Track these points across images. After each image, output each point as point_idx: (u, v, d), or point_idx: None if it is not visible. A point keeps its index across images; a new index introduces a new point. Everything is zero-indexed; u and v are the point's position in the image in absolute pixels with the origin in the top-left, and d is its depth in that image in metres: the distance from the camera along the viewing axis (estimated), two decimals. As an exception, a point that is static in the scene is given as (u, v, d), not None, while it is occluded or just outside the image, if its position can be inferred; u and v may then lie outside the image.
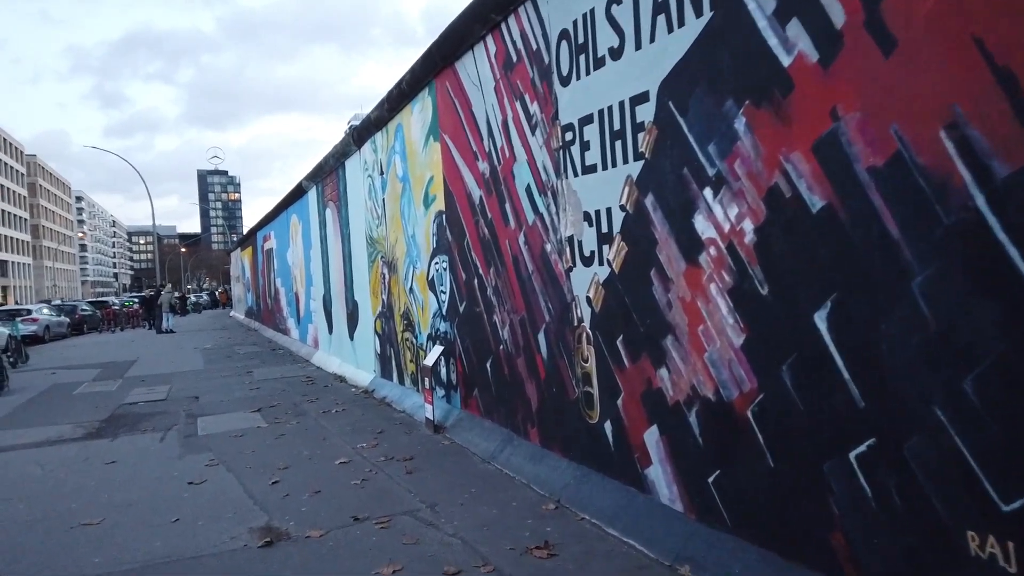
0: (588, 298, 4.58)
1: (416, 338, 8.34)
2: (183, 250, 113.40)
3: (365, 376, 10.65)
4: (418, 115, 7.67)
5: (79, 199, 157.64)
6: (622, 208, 4.14)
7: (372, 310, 10.24)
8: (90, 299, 42.86)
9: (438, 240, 7.34)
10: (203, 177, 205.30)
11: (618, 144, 4.13)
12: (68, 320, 29.95)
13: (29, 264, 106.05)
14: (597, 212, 4.39)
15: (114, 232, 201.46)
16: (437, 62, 6.76)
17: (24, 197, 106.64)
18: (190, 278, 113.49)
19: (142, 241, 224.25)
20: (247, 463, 6.48)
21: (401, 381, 9.06)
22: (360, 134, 9.88)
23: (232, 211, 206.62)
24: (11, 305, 52.67)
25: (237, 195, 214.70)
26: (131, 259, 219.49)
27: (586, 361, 4.67)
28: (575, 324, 4.76)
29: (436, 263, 7.44)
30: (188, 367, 14.76)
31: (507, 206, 5.67)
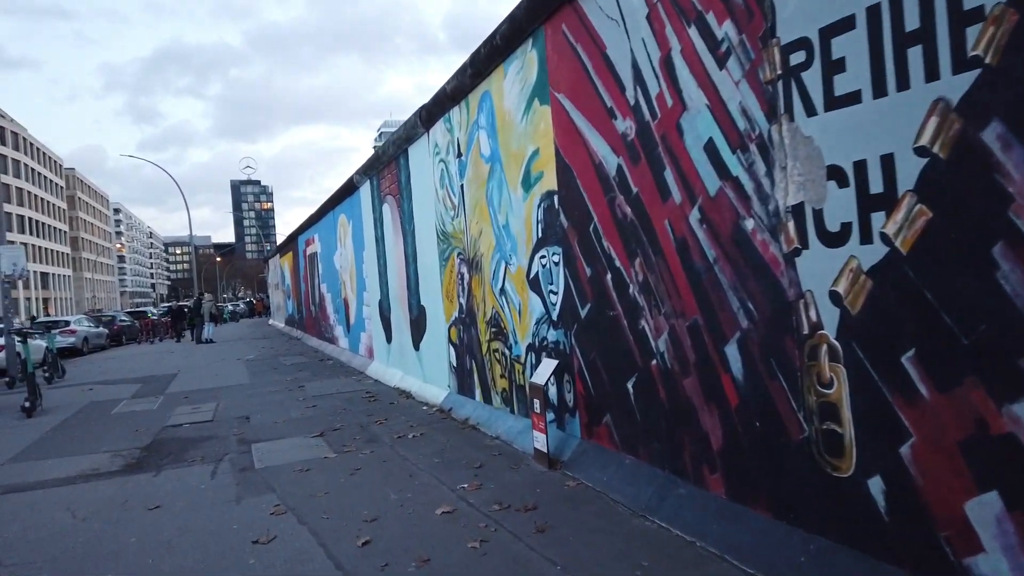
0: (834, 294, 3.13)
1: (509, 349, 6.94)
2: (218, 260, 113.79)
3: (436, 392, 9.27)
4: (515, 77, 6.27)
5: (117, 211, 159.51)
6: (922, 152, 2.68)
7: (445, 316, 8.86)
8: (128, 310, 42.26)
9: (545, 228, 5.93)
10: (236, 187, 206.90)
11: (915, 52, 2.67)
12: (107, 331, 29.12)
13: (69, 276, 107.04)
14: (859, 164, 2.94)
15: (151, 243, 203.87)
16: (549, 1, 5.36)
17: (63, 210, 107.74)
18: (225, 287, 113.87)
19: (178, 251, 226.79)
20: (323, 511, 5.13)
21: (486, 399, 7.66)
22: (430, 112, 8.52)
23: (265, 220, 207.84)
24: (50, 316, 52.51)
25: (270, 204, 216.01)
26: (167, 269, 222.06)
27: (827, 386, 3.21)
28: (804, 332, 3.31)
29: (542, 257, 6.03)
30: (233, 381, 13.54)
31: (667, 174, 4.23)
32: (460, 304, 8.29)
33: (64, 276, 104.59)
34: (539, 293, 6.16)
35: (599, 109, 4.93)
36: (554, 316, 5.94)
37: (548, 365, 5.84)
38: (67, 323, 25.70)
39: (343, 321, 16.28)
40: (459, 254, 8.16)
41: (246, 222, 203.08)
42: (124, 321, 32.29)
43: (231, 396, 11.51)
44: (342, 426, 8.32)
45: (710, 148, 3.86)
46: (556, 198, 5.69)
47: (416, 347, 10.27)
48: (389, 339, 11.92)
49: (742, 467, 3.85)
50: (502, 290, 6.99)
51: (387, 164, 11.02)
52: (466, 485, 5.46)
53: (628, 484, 4.76)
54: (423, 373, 10.02)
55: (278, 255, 31.70)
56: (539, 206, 6.00)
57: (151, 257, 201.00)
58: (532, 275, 6.27)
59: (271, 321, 39.43)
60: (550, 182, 5.78)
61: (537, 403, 5.76)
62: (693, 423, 4.22)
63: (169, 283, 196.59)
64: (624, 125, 4.65)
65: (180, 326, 30.49)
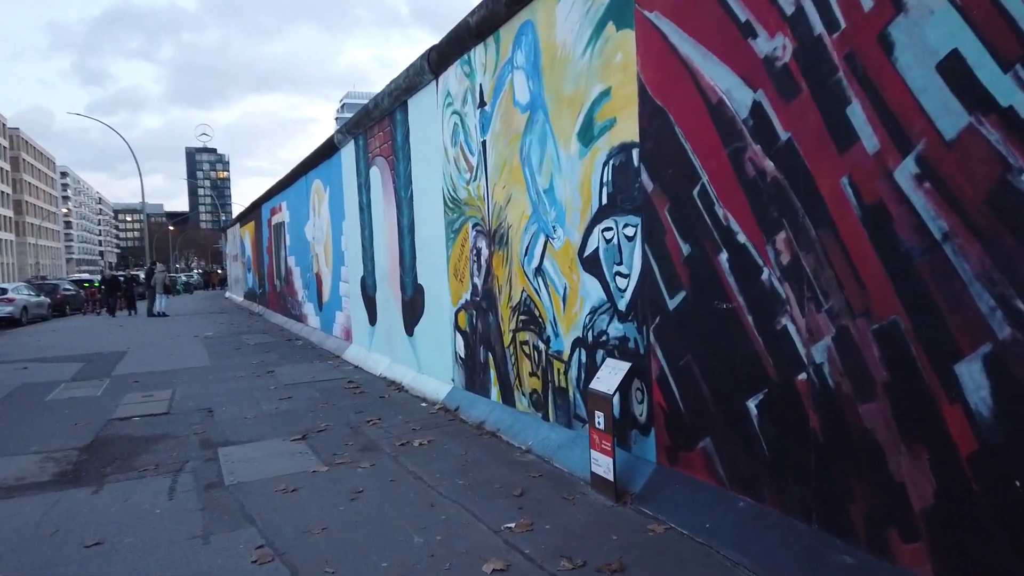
0: None
1: (545, 343, 5.63)
2: (171, 229, 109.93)
3: (436, 386, 7.92)
4: (576, -2, 4.91)
5: (64, 175, 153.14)
6: None
7: (452, 298, 7.50)
8: (72, 277, 39.72)
9: (614, 192, 4.61)
10: (191, 155, 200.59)
11: None
12: (48, 301, 26.95)
13: (11, 241, 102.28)
14: None
15: (100, 210, 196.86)
16: None
17: (7, 172, 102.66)
18: (178, 257, 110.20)
19: (129, 219, 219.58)
20: (324, 559, 3.81)
21: (507, 400, 6.35)
22: (443, 54, 7.09)
23: (221, 190, 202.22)
24: (-11, 283, 49.60)
25: (226, 173, 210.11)
26: (117, 237, 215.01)
27: None
28: None
29: (606, 230, 4.72)
30: (190, 362, 11.98)
31: (854, 111, 2.95)
32: (474, 285, 6.93)
33: (6, 241, 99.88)
34: (598, 275, 4.85)
35: (723, 27, 3.61)
36: (621, 305, 4.63)
37: (616, 368, 4.53)
38: (3, 291, 23.55)
39: (314, 298, 14.76)
40: (476, 225, 6.79)
41: (201, 191, 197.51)
42: (68, 290, 30.07)
43: (189, 381, 9.99)
44: (328, 426, 6.93)
45: (953, 67, 2.57)
46: (636, 152, 4.37)
47: (409, 332, 8.89)
48: (373, 321, 10.50)
49: (974, 543, 2.60)
50: (538, 270, 5.66)
51: (378, 120, 9.55)
52: (512, 524, 4.15)
53: (750, 538, 3.49)
54: (418, 363, 8.65)
55: (238, 224, 29.79)
56: (606, 164, 4.67)
57: (100, 224, 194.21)
58: (588, 252, 4.94)
59: (228, 294, 37.43)
60: (626, 132, 4.45)
61: (601, 418, 4.46)
62: (874, 467, 2.97)
63: (119, 251, 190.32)
64: (770, 46, 3.33)
65: (114, 299, 25.76)
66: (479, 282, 6.82)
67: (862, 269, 2.98)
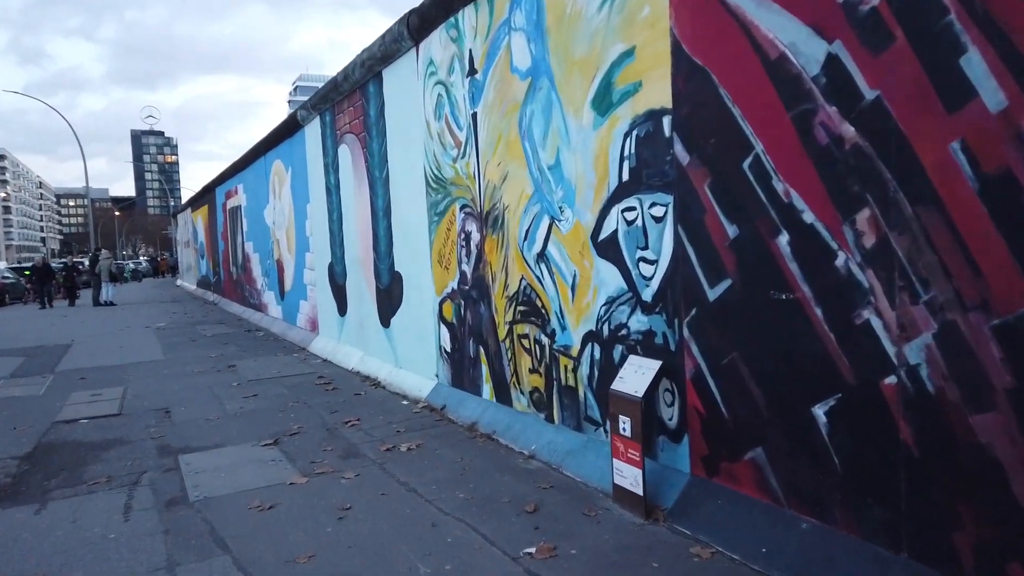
0: None
1: (549, 336, 5.07)
2: (117, 214, 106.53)
3: (417, 382, 7.32)
4: (591, -54, 4.32)
5: (1, 157, 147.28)
6: None
7: (436, 287, 6.89)
8: (12, 265, 37.82)
9: (638, 167, 4.06)
10: (137, 138, 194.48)
11: None
12: (-15, 289, 25.46)
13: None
14: None
15: (41, 194, 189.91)
16: None
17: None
18: (124, 243, 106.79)
19: (72, 204, 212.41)
20: (318, 605, 3.19)
21: (502, 398, 5.80)
22: (425, 17, 6.44)
23: (169, 174, 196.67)
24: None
25: (174, 157, 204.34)
26: (60, 223, 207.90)
27: None
28: None
29: (627, 210, 4.17)
30: (143, 356, 11.15)
31: (970, 61, 2.45)
32: (462, 272, 6.33)
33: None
34: (616, 261, 4.30)
35: (789, -31, 3.06)
36: (646, 295, 4.10)
37: (643, 367, 4.00)
38: (-64, 279, 22.08)
39: (275, 286, 13.97)
40: (464, 207, 6.18)
41: (148, 175, 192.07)
42: (7, 278, 28.51)
43: (143, 377, 9.21)
44: (301, 428, 6.29)
45: None
46: (667, 120, 3.82)
47: (385, 323, 8.25)
48: (342, 311, 9.82)
49: None
50: (541, 255, 5.09)
51: (348, 94, 8.84)
52: (532, 550, 3.60)
53: (822, 566, 3.00)
54: (395, 356, 8.02)
55: (190, 209, 28.56)
56: (628, 135, 4.11)
57: (41, 209, 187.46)
58: (604, 235, 4.39)
59: (179, 282, 36.04)
60: (654, 97, 3.89)
61: (627, 423, 3.93)
62: (991, 488, 2.48)
63: (61, 238, 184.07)
64: (856, -13, 2.80)
65: (48, 288, 23.20)
66: (468, 269, 6.22)
67: (979, 253, 2.48)
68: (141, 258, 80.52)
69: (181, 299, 25.17)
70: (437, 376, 7.02)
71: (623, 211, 4.22)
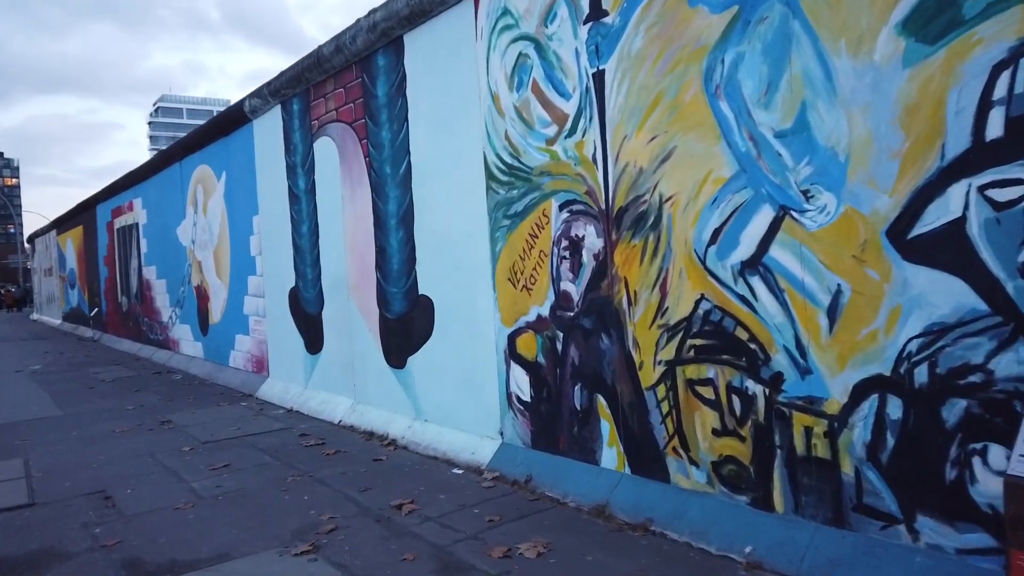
0: None
1: (771, 383, 3.47)
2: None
3: (463, 441, 5.50)
4: None
5: None
6: None
7: (503, 314, 5.14)
8: None
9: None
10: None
11: None
12: None
13: None
14: None
15: None
16: None
17: None
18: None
19: None
20: None
21: (645, 469, 4.15)
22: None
23: (10, 198, 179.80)
24: None
25: (15, 180, 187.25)
26: None
27: None
28: None
29: (992, 185, 2.68)
30: (31, 411, 8.58)
31: None
32: (561, 293, 4.62)
33: None
34: (958, 267, 2.78)
35: None
36: (1037, 318, 2.57)
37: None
38: None
39: (192, 318, 11.55)
40: (570, 203, 4.50)
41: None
42: None
43: (45, 442, 6.81)
44: (335, 520, 4.37)
45: None
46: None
47: (396, 363, 6.35)
48: (314, 347, 7.77)
49: None
50: (750, 264, 3.50)
51: (337, 72, 6.95)
52: None
53: None
54: (415, 407, 6.13)
55: (55, 231, 24.82)
56: (1000, 68, 2.61)
57: None
58: (926, 228, 2.87)
59: (36, 316, 31.49)
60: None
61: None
62: None
63: None
64: None
65: None
66: (575, 288, 4.52)
67: None
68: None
69: (46, 336, 21.55)
70: (502, 434, 5.22)
71: (984, 188, 2.69)
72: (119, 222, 15.91)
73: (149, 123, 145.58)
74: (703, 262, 3.75)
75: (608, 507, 4.18)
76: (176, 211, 12.02)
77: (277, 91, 8.02)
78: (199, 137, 10.61)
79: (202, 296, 11.13)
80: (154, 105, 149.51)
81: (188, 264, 11.67)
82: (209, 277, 10.77)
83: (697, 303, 3.79)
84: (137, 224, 14.49)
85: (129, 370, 12.08)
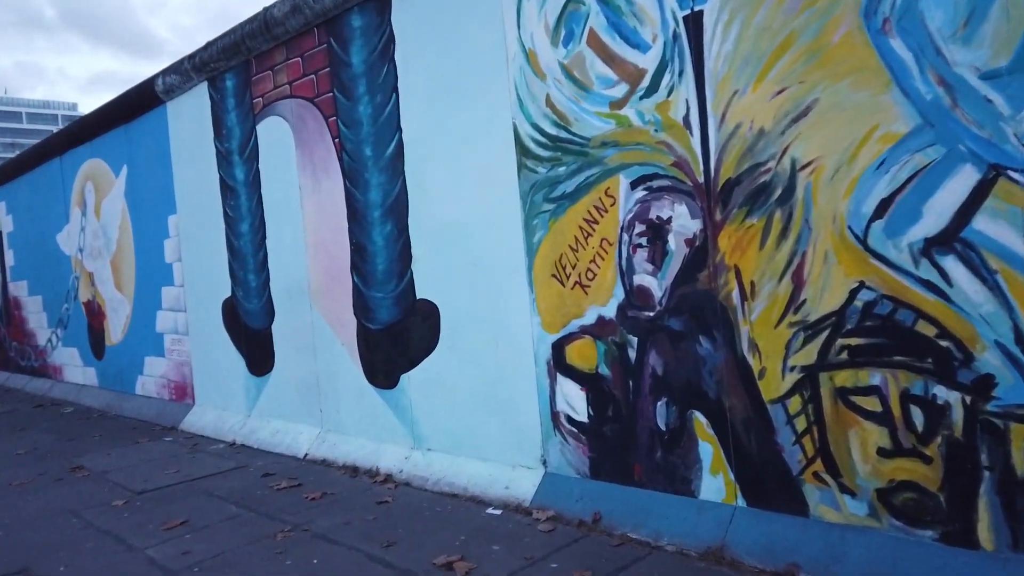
0: None
1: (974, 390, 2.79)
2: None
3: (490, 473, 4.56)
4: None
5: None
6: None
7: (544, 318, 4.27)
8: None
9: None
10: None
11: None
12: None
13: None
14: None
15: None
16: None
17: None
18: None
19: None
20: None
21: (767, 500, 3.41)
22: None
23: None
24: None
25: None
26: None
27: None
28: None
29: None
30: None
31: None
32: (633, 289, 3.80)
33: None
34: None
35: None
36: None
37: None
38: None
39: (82, 339, 9.86)
40: (649, 178, 3.70)
41: None
42: None
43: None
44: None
45: None
46: None
47: (385, 382, 5.31)
48: (259, 368, 6.56)
49: None
50: (936, 242, 2.82)
51: (290, 40, 5.84)
52: None
53: None
54: (413, 433, 5.12)
55: None
56: None
57: None
58: None
59: None
60: None
61: None
62: None
63: None
64: None
65: None
66: (656, 282, 3.70)
67: None
68: None
69: None
70: (544, 462, 4.31)
71: None
72: (-26, 232, 13.64)
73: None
74: (862, 241, 3.01)
75: (725, 549, 3.37)
76: (55, 215, 10.26)
77: (203, 65, 6.74)
78: (89, 126, 9.03)
79: (95, 313, 9.49)
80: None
81: (74, 276, 9.96)
82: (105, 290, 9.17)
83: (853, 293, 3.05)
84: (0, 232, 12.42)
85: (1, 404, 10.18)
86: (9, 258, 12.17)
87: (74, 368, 10.18)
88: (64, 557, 4.05)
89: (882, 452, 3.03)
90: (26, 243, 11.41)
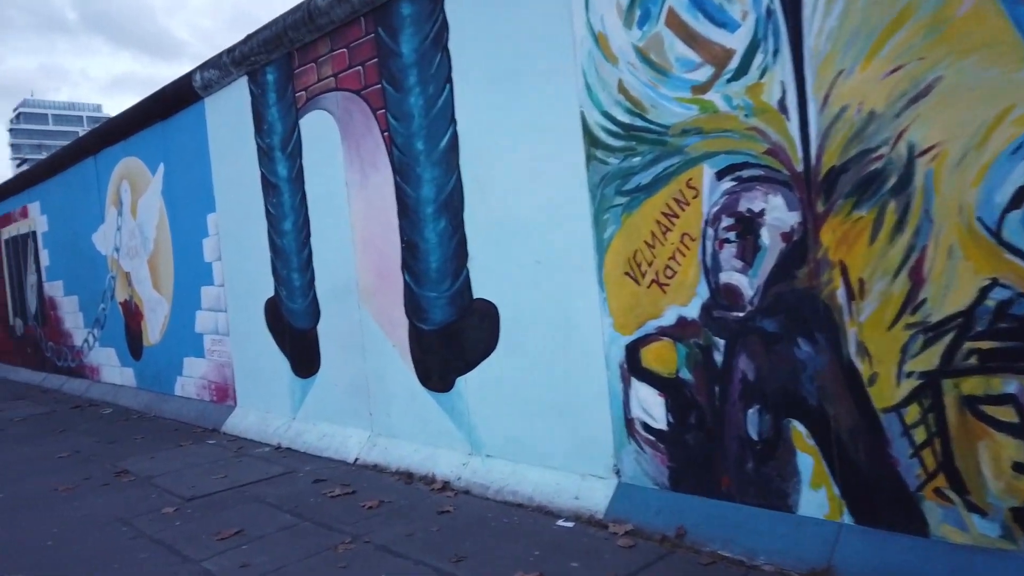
0: None
1: None
2: None
3: (556, 481, 4.32)
4: None
5: None
6: None
7: (617, 319, 4.02)
8: None
9: None
10: None
11: None
12: None
13: None
14: None
15: None
16: None
17: None
18: None
19: None
20: None
21: (875, 518, 3.13)
22: None
23: None
24: None
25: None
26: None
27: None
28: None
29: None
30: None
31: None
32: (713, 286, 3.53)
33: None
34: None
35: None
36: None
37: None
38: None
39: (119, 339, 9.75)
40: (732, 169, 3.41)
41: None
42: None
43: (-32, 517, 5.11)
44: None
45: None
46: None
47: (439, 385, 5.08)
48: (305, 369, 6.36)
49: None
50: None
51: (334, 31, 5.61)
52: None
53: None
54: (471, 438, 4.88)
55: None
56: None
57: None
58: None
59: None
60: None
61: None
62: None
63: None
64: None
65: None
66: (747, 280, 3.42)
67: None
68: None
69: (-84, 367, 18.56)
70: (618, 472, 4.05)
71: None
72: (7, 232, 13.68)
73: (10, 130, 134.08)
74: (995, 234, 2.71)
75: (833, 571, 3.09)
76: (90, 214, 10.15)
77: (243, 59, 6.54)
78: (124, 124, 8.88)
79: (132, 313, 9.36)
80: (14, 111, 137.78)
81: (110, 276, 9.85)
82: (142, 290, 9.03)
83: (984, 291, 2.76)
84: (34, 233, 12.38)
85: (39, 405, 10.11)
86: (44, 258, 12.11)
87: (111, 368, 10.08)
88: (118, 569, 3.86)
89: (1018, 467, 2.73)
90: (61, 243, 11.34)
